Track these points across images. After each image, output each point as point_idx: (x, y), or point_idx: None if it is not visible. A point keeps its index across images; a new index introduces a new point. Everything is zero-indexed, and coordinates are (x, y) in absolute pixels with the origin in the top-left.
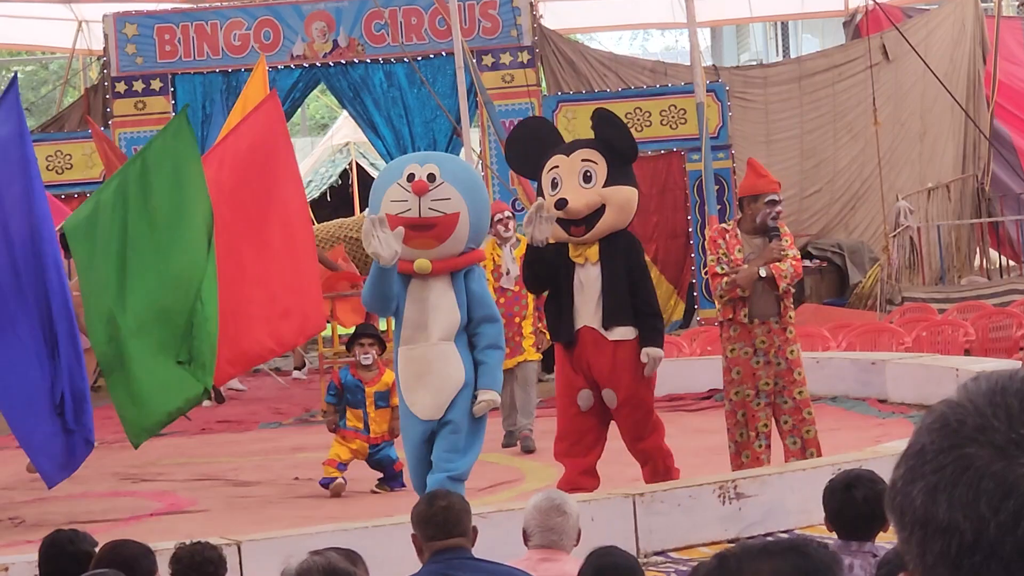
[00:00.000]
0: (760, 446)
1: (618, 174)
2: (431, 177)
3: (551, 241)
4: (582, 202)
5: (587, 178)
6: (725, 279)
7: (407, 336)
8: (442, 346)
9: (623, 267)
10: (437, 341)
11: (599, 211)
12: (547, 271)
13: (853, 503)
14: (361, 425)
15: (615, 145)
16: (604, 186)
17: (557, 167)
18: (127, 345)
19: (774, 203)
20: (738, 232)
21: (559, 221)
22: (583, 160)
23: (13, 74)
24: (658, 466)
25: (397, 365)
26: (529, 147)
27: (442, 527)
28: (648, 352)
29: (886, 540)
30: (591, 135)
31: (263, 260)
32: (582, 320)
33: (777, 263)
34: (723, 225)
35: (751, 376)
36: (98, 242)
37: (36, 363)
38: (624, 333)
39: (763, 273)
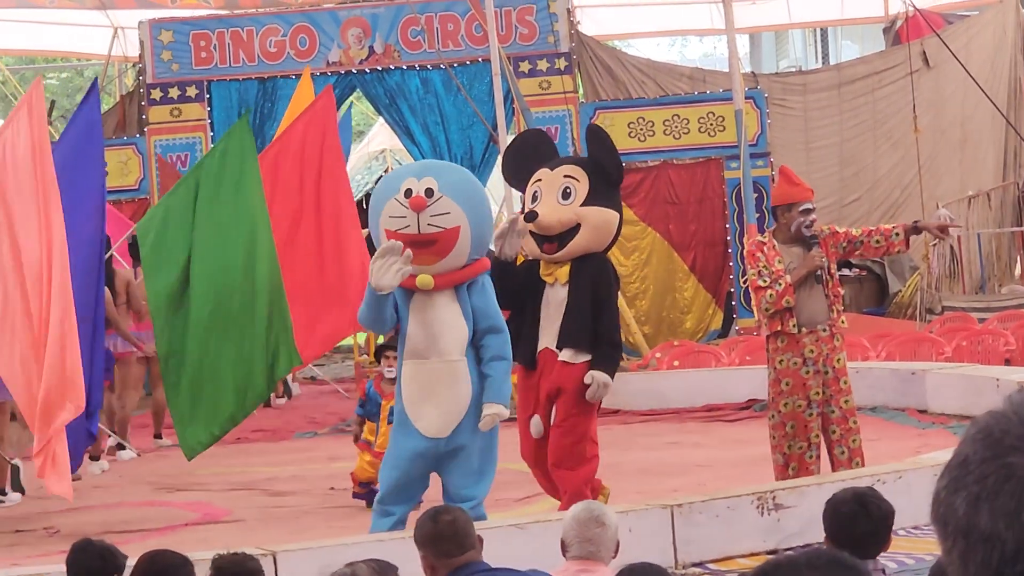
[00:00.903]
0: (811, 457)
1: (600, 195)
2: (429, 192)
3: (525, 257)
4: (554, 218)
5: (566, 195)
6: (769, 291)
7: (415, 351)
8: (454, 364)
9: (589, 291)
10: (449, 357)
11: (573, 230)
12: (516, 286)
13: (865, 519)
14: (373, 438)
15: (602, 165)
16: (582, 205)
17: (540, 180)
18: (187, 352)
19: (808, 212)
20: (775, 243)
21: (533, 236)
22: (565, 176)
23: (94, 79)
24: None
25: (400, 379)
26: (525, 160)
27: (455, 541)
28: (593, 374)
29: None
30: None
31: (305, 265)
32: (544, 342)
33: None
34: (759, 238)
35: (801, 387)
36: (166, 247)
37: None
38: (572, 356)
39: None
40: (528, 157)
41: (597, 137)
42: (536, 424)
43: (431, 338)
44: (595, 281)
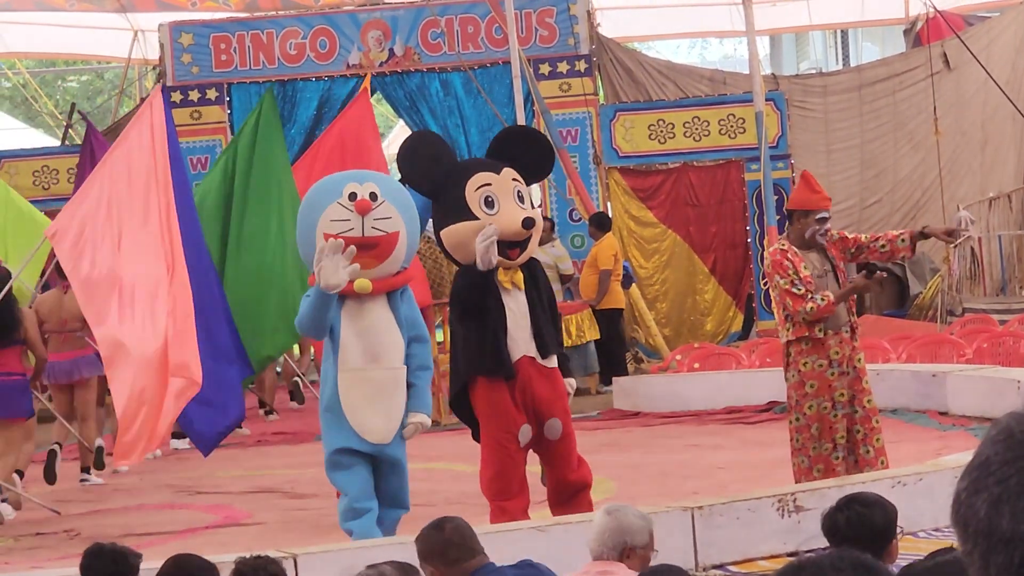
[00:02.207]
0: (837, 458)
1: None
2: (373, 196)
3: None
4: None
5: (520, 198)
6: (810, 305)
7: (356, 359)
8: (397, 372)
9: (544, 293)
10: (391, 365)
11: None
12: (485, 295)
13: (851, 526)
14: None
15: (543, 168)
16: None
17: (489, 184)
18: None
19: (824, 220)
20: (795, 249)
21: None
22: (513, 180)
23: (160, 82)
24: (587, 496)
25: (336, 386)
26: (425, 160)
27: (464, 547)
28: (570, 382)
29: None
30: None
31: None
32: (520, 350)
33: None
34: (780, 246)
35: (827, 388)
36: (205, 213)
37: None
38: (555, 361)
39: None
40: (428, 157)
41: (540, 141)
42: (527, 432)
43: (372, 346)
44: (546, 285)
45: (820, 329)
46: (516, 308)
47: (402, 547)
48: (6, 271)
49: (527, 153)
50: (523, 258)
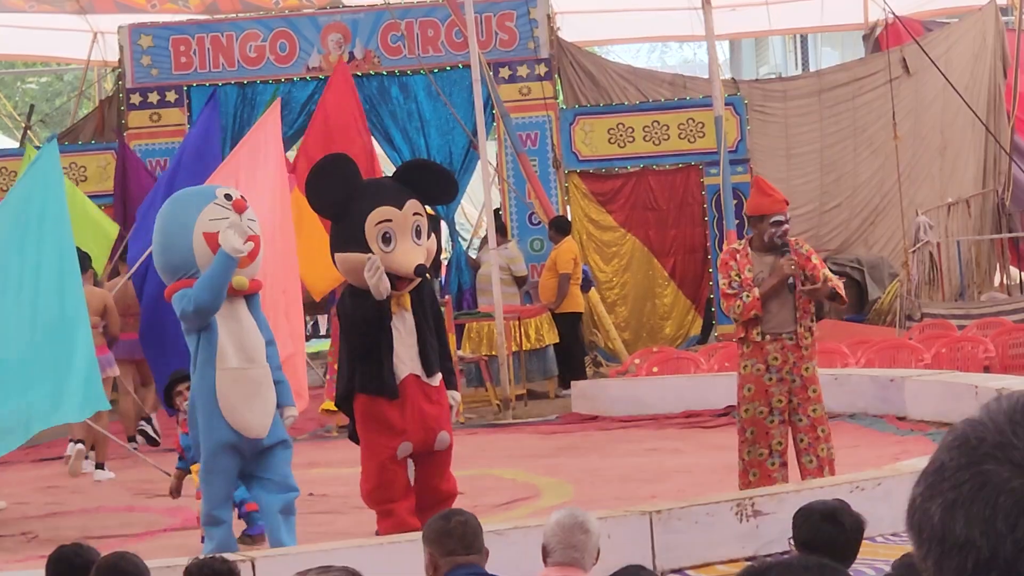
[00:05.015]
0: (773, 464)
1: (430, 222)
2: (243, 198)
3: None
4: (425, 261)
5: (418, 234)
6: (737, 302)
7: (232, 359)
8: (268, 370)
9: (430, 312)
10: (263, 364)
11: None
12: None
13: (838, 531)
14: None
15: (447, 198)
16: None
17: (390, 220)
18: None
19: (779, 223)
20: (749, 252)
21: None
22: (414, 214)
23: (213, 89)
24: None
25: (213, 385)
26: (329, 185)
27: (462, 541)
28: (454, 395)
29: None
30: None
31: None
32: (406, 369)
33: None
34: (734, 246)
35: (764, 393)
36: None
37: None
38: (439, 379)
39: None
40: (334, 181)
41: (444, 173)
42: (407, 448)
43: (246, 347)
44: (433, 302)
45: (758, 332)
46: (403, 328)
47: (360, 550)
48: None
49: (432, 185)
50: (413, 284)
